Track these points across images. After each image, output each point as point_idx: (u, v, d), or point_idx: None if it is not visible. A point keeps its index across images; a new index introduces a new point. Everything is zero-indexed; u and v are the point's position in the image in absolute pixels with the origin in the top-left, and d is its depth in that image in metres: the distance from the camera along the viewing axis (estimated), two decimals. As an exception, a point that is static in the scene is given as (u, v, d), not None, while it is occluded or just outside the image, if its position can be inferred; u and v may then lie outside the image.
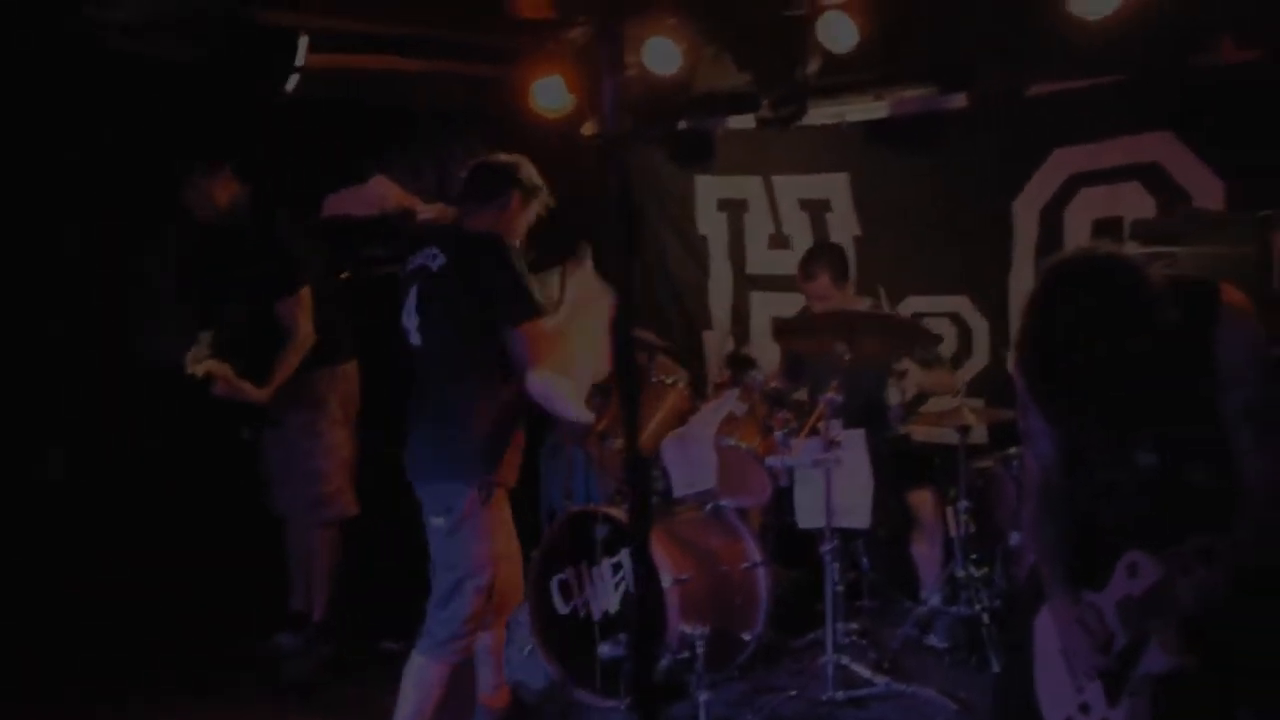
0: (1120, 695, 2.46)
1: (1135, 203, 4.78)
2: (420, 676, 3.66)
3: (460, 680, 3.81)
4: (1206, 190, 4.61)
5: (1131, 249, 3.25)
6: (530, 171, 3.84)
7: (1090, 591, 2.54)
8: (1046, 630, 2.63)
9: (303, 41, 5.02)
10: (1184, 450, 2.48)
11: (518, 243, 3.77)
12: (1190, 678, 2.39)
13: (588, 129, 6.14)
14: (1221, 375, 2.40)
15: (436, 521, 3.65)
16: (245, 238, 4.78)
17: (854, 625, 4.53)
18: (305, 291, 4.70)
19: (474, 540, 3.62)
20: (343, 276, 5.29)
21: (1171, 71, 4.55)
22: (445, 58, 5.60)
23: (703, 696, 4.04)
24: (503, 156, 3.88)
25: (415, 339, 3.72)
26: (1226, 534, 2.29)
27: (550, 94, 5.79)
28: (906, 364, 4.88)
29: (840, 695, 4.16)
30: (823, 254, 5.14)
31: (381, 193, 5.70)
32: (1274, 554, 2.37)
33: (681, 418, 4.88)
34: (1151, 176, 4.76)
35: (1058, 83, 4.99)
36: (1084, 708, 2.53)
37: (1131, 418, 2.46)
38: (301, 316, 4.68)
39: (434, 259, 3.68)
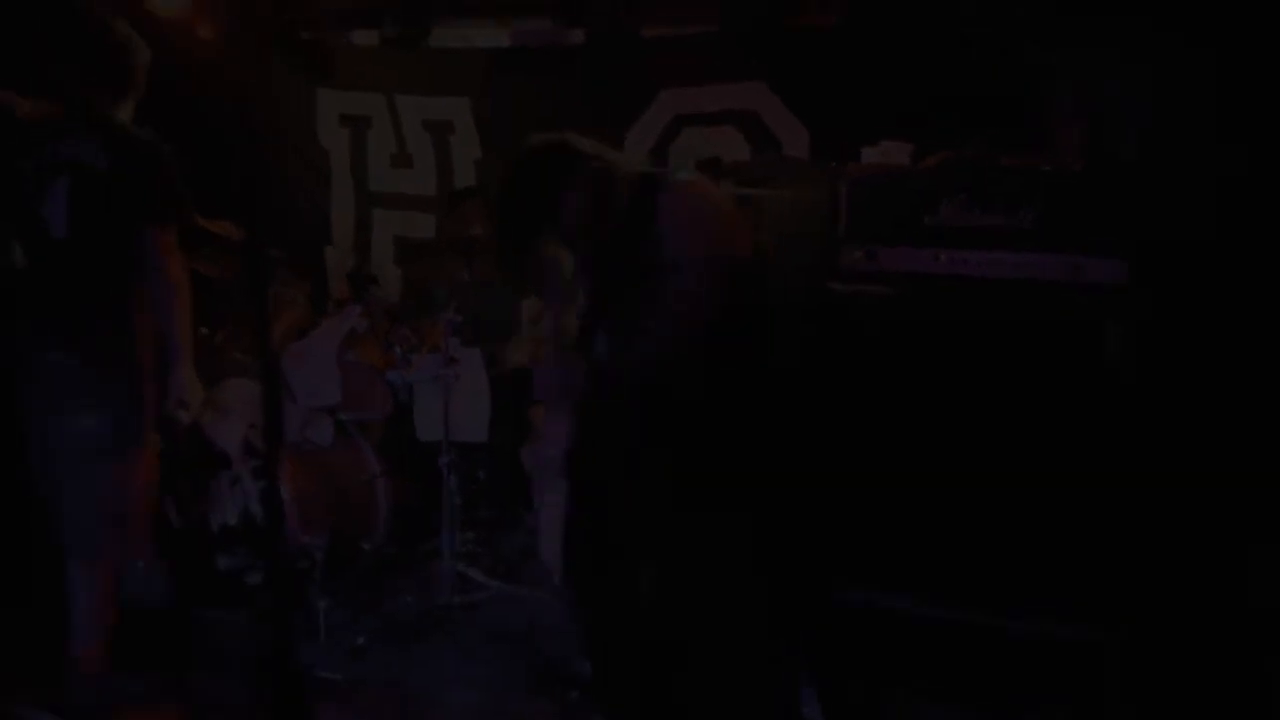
0: None
1: (732, 145, 5.21)
2: None
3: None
4: (794, 138, 5.12)
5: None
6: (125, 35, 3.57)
7: None
8: None
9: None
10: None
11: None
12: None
13: (205, 32, 5.93)
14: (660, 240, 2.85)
15: None
16: None
17: (470, 534, 4.78)
18: None
19: None
20: None
21: (766, 27, 5.00)
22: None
23: (322, 604, 4.18)
24: (118, 25, 3.56)
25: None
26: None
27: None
28: None
29: (456, 599, 4.41)
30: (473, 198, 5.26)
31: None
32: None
33: (301, 331, 4.92)
34: (747, 122, 5.22)
35: (667, 27, 5.34)
36: None
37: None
38: None
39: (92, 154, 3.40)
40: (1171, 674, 3.25)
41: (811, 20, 4.82)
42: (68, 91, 3.54)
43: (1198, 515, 3.37)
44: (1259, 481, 3.36)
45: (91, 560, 3.58)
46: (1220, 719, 3.23)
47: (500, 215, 2.97)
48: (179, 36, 5.68)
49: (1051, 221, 3.29)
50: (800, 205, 3.70)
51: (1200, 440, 3.39)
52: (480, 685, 3.88)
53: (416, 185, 6.11)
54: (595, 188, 2.90)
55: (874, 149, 3.74)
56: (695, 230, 2.84)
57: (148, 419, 3.54)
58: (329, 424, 4.62)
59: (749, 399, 2.94)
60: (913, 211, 3.43)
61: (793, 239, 3.71)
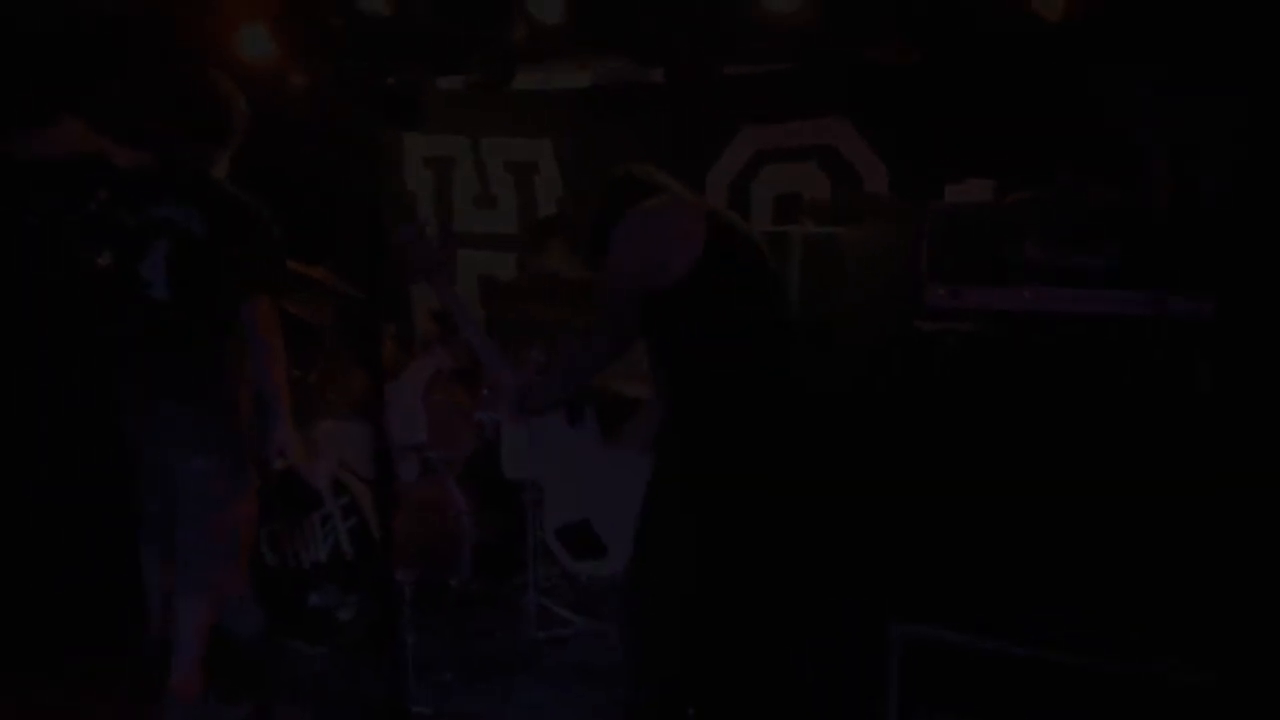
0: None
1: (813, 181, 5.25)
2: None
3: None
4: (874, 172, 5.14)
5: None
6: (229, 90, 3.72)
7: None
8: None
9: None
10: None
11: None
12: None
13: (295, 79, 6.09)
14: None
15: None
16: None
17: (555, 569, 4.83)
18: None
19: None
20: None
21: (847, 63, 5.03)
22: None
23: (410, 640, 4.24)
24: (219, 78, 3.71)
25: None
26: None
27: (255, 42, 5.73)
28: None
29: (542, 635, 4.45)
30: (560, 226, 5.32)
31: (68, 135, 5.46)
32: None
33: (390, 370, 5.02)
34: (827, 157, 5.24)
35: (747, 65, 5.39)
36: None
37: None
38: None
39: (191, 219, 3.53)
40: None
41: (892, 56, 4.83)
42: (165, 145, 3.68)
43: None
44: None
45: (200, 593, 3.72)
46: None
47: (587, 241, 3.18)
48: (269, 84, 5.85)
49: (1137, 258, 3.27)
50: (882, 242, 3.72)
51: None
52: (566, 721, 3.93)
53: (500, 225, 6.21)
54: None
55: (957, 186, 3.74)
56: (614, 248, 2.99)
57: (250, 462, 3.70)
58: (415, 462, 4.70)
59: (732, 408, 3.00)
60: (997, 248, 3.43)
61: (875, 277, 3.73)
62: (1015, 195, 3.58)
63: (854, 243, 3.82)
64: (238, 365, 3.62)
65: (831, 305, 3.76)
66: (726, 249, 2.98)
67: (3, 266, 4.80)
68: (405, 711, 3.96)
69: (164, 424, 3.59)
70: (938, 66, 4.76)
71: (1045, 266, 3.36)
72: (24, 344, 4.83)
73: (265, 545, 4.58)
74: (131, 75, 5.17)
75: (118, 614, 4.48)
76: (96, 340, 3.80)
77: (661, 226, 2.99)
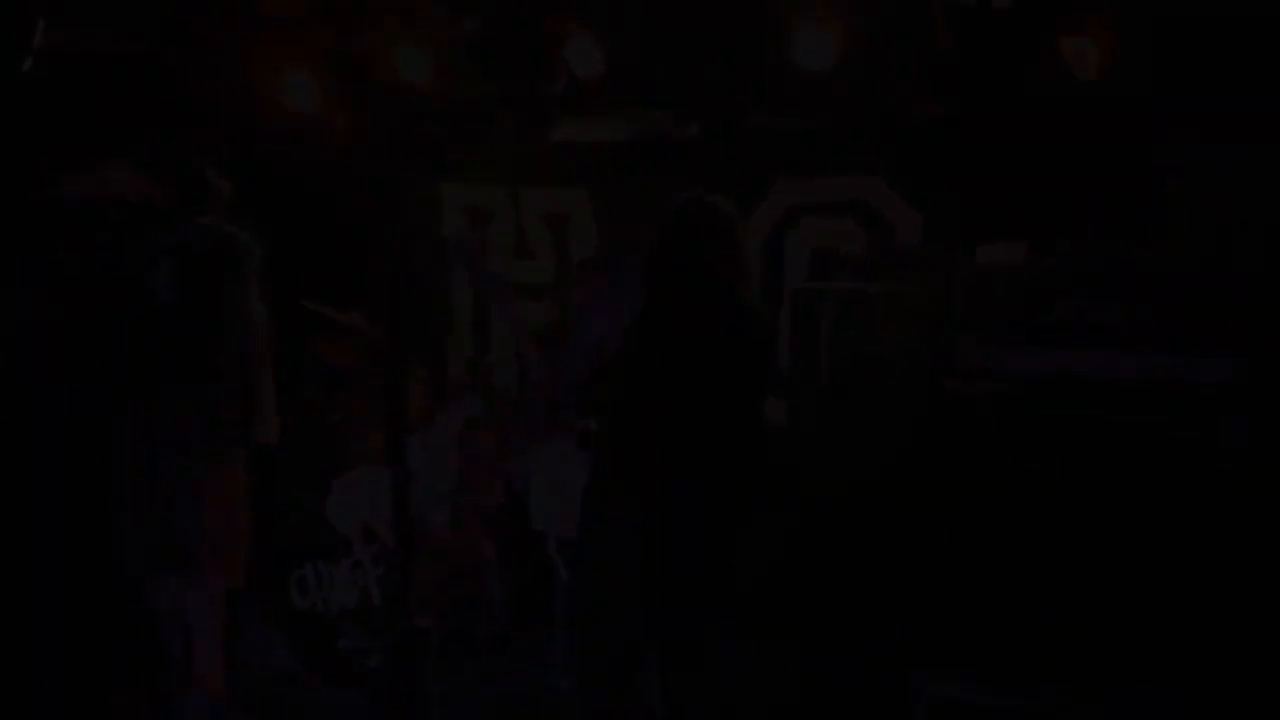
0: None
1: (848, 235, 5.26)
2: None
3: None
4: (908, 223, 5.15)
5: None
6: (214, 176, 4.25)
7: None
8: None
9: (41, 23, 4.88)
10: None
11: None
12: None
13: (333, 128, 6.17)
14: None
15: None
16: None
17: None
18: None
19: None
20: None
21: (880, 118, 5.06)
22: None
23: (437, 689, 4.24)
24: (207, 170, 4.26)
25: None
26: None
27: (301, 93, 5.83)
28: None
29: (567, 684, 4.43)
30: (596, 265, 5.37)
31: (119, 180, 5.57)
32: None
33: (421, 416, 5.04)
34: (861, 211, 5.26)
35: (783, 120, 5.42)
36: None
37: None
38: None
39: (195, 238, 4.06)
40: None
41: (927, 112, 4.85)
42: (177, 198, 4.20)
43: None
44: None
45: (206, 587, 3.90)
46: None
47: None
48: (311, 131, 5.95)
49: (1169, 319, 3.26)
50: (916, 302, 3.73)
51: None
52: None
53: (535, 274, 6.25)
54: None
55: (988, 247, 3.75)
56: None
57: (236, 442, 4.04)
58: (446, 509, 4.72)
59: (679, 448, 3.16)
60: (1029, 309, 3.43)
61: (909, 337, 3.73)
62: (1048, 255, 3.59)
63: (888, 301, 3.83)
64: (222, 358, 4.00)
65: (864, 362, 3.77)
66: (661, 317, 3.22)
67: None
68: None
69: (155, 421, 3.92)
70: (972, 124, 4.77)
71: (1077, 327, 3.35)
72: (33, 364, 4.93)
73: (295, 590, 4.61)
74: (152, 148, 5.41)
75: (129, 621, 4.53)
76: (100, 346, 4.07)
77: (610, 291, 3.36)
